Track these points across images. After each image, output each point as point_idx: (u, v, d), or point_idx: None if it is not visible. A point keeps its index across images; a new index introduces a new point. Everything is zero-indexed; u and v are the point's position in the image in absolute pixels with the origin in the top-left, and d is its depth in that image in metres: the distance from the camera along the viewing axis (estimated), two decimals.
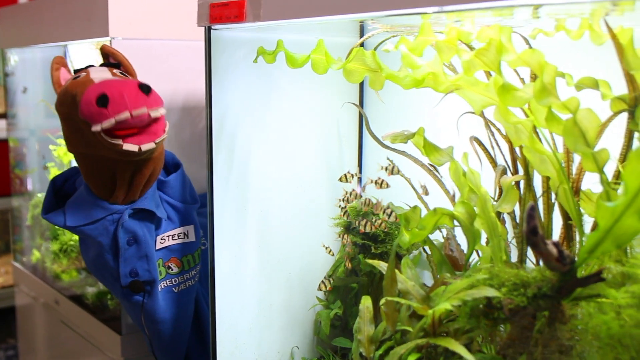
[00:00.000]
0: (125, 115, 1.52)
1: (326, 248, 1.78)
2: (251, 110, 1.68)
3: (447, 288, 1.29)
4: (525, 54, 1.23)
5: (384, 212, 1.63)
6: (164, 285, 1.78)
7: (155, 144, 1.59)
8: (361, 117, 1.90)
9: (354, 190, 1.75)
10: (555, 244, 1.14)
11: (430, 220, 1.38)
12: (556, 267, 1.16)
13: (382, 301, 1.34)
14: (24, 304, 3.12)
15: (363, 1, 1.24)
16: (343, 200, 1.74)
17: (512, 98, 1.26)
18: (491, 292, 1.21)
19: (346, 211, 1.72)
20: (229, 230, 1.66)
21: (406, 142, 1.46)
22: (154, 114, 1.56)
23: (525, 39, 1.40)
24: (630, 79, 1.24)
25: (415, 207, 1.42)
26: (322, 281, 1.75)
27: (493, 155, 1.51)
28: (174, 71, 2.11)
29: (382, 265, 1.42)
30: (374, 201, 1.73)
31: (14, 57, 3.17)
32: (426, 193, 1.59)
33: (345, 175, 1.73)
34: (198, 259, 1.85)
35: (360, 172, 1.91)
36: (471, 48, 1.36)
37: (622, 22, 1.25)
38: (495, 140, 1.50)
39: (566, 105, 1.23)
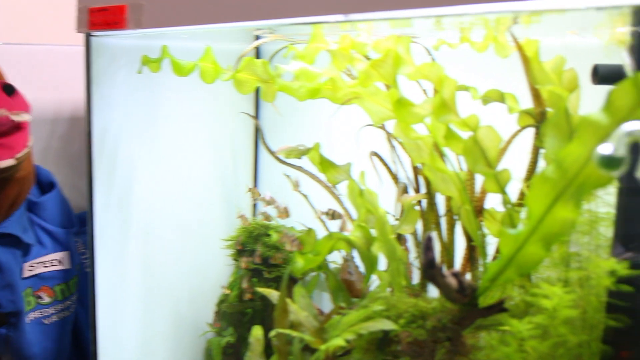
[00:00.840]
0: None
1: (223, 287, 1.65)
2: (136, 123, 1.56)
3: (342, 320, 1.19)
4: (423, 67, 1.14)
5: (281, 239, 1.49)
6: (34, 317, 1.61)
7: (16, 159, 1.43)
8: (257, 129, 1.79)
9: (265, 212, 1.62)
10: (455, 275, 1.05)
11: (325, 246, 1.28)
12: (456, 299, 1.07)
13: (272, 333, 1.23)
14: None
15: (249, 10, 1.14)
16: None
17: (409, 114, 1.17)
18: (388, 325, 1.12)
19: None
20: (110, 253, 1.53)
21: (300, 158, 1.36)
22: (17, 118, 1.41)
23: (427, 50, 1.32)
24: (535, 94, 1.16)
25: (309, 230, 1.32)
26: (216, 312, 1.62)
27: (395, 172, 1.42)
28: (60, 79, 1.96)
29: (273, 295, 1.32)
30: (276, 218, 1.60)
31: None
32: (334, 217, 1.47)
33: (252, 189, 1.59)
34: (74, 288, 1.68)
35: (256, 188, 1.80)
36: (368, 59, 1.27)
37: (528, 33, 1.18)
38: (397, 155, 1.41)
39: (466, 122, 1.15)
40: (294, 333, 1.21)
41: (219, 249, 1.66)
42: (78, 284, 1.70)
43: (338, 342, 1.12)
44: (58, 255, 1.65)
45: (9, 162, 1.41)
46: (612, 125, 0.89)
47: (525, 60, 1.13)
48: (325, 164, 1.33)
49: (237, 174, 1.77)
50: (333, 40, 1.23)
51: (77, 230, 1.70)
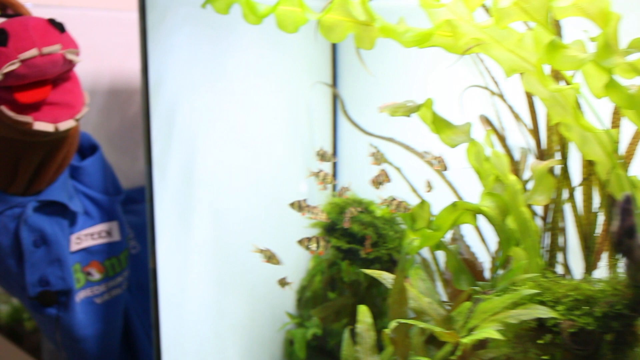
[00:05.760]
0: (33, 52, 1.16)
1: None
2: (199, 85, 1.34)
3: (479, 307, 0.99)
4: (584, 1, 0.94)
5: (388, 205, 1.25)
6: (84, 296, 1.42)
7: (75, 120, 1.27)
8: (335, 97, 1.57)
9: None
10: None
11: (448, 219, 1.07)
12: None
13: (392, 324, 1.03)
14: None
15: None
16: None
17: (562, 58, 0.96)
18: (544, 312, 0.93)
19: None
20: (173, 234, 1.31)
21: (409, 116, 1.15)
22: (71, 56, 1.23)
23: None
24: None
25: (423, 202, 1.12)
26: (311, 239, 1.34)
27: (505, 136, 1.23)
28: (98, 47, 1.74)
29: (385, 277, 1.11)
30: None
31: None
32: (430, 189, 1.25)
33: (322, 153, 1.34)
34: (125, 262, 1.50)
35: (336, 162, 1.58)
36: None
37: None
38: (516, 117, 1.22)
39: (635, 66, 0.94)
40: (419, 324, 1.01)
41: (300, 228, 1.43)
42: (129, 259, 1.50)
43: (487, 333, 0.92)
44: (106, 225, 1.47)
45: (69, 124, 1.24)
46: None
47: None
48: (440, 123, 1.13)
49: (314, 145, 1.55)
50: None
51: (124, 199, 1.51)
